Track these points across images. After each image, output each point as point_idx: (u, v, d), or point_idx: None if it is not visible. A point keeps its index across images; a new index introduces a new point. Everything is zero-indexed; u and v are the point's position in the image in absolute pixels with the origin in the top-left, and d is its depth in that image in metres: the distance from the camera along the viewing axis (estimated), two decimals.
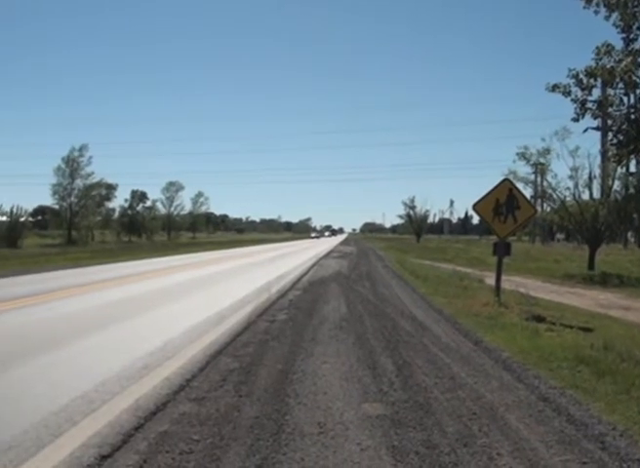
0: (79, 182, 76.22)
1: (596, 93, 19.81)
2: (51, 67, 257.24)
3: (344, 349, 8.55)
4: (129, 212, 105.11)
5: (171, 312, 12.26)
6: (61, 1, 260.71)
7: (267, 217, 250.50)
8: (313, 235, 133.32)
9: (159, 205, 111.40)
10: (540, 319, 11.20)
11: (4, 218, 60.29)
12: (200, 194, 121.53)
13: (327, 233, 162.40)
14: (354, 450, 4.67)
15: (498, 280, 13.69)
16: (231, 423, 5.30)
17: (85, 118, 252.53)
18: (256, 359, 7.83)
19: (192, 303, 13.80)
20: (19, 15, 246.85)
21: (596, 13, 16.93)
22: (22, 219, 63.34)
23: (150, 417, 5.46)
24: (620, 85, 18.35)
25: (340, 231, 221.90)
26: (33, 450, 4.63)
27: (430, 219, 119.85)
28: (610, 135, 20.12)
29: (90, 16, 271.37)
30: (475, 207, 14.06)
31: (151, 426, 5.24)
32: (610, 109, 18.91)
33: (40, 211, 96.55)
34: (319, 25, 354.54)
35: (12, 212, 61.13)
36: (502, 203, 13.55)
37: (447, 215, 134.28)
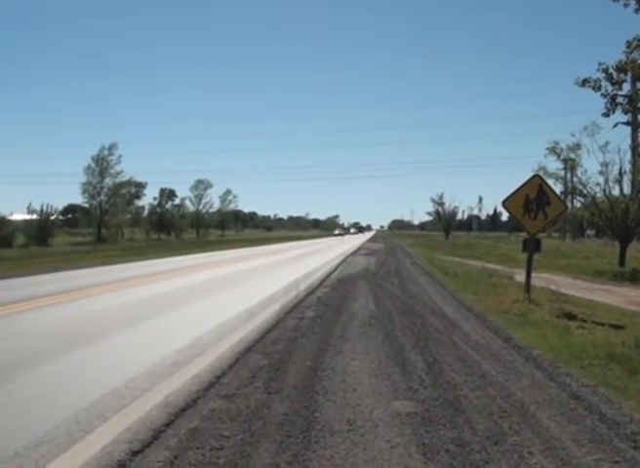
0: (109, 181, 77.22)
1: (626, 87, 19.60)
2: (80, 67, 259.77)
3: (373, 346, 8.54)
4: (158, 209, 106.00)
5: (200, 309, 12.33)
6: (87, 2, 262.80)
7: (295, 215, 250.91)
8: (337, 232, 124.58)
9: (188, 203, 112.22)
10: (570, 316, 11.08)
11: (35, 217, 61.05)
12: (228, 192, 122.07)
13: (352, 230, 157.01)
14: (384, 448, 4.66)
15: (528, 277, 13.57)
16: (261, 420, 5.31)
17: (114, 117, 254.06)
18: (285, 356, 7.85)
19: (221, 301, 13.87)
20: (48, 14, 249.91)
21: (626, 6, 16.74)
22: (53, 218, 64.19)
23: (180, 414, 5.50)
24: None
25: (368, 228, 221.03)
26: (65, 446, 4.69)
27: (459, 216, 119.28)
28: None
29: (113, 18, 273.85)
30: (505, 203, 13.93)
31: (181, 422, 5.27)
32: None
33: (70, 209, 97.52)
34: (345, 25, 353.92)
35: (42, 210, 61.91)
36: (532, 199, 13.41)
37: (475, 212, 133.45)
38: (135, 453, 4.57)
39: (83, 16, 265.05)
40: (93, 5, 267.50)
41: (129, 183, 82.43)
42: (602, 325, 10.33)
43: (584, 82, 21.01)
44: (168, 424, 5.22)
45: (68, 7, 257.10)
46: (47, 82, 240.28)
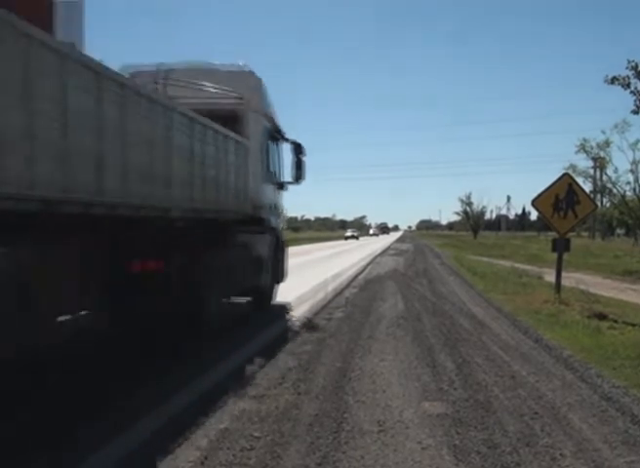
0: None
1: None
2: None
3: (402, 347, 8.54)
4: None
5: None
6: None
7: (322, 216, 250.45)
8: (348, 234, 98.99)
9: None
10: (601, 316, 10.96)
11: None
12: None
13: (371, 231, 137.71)
14: (415, 449, 4.66)
15: (558, 277, 13.46)
16: (290, 421, 5.33)
17: None
18: (314, 357, 7.87)
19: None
20: None
21: None
22: None
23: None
24: None
25: (395, 229, 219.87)
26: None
27: (487, 216, 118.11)
28: None
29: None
30: (534, 202, 13.83)
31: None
32: None
33: None
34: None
35: None
36: (562, 198, 13.28)
37: (504, 212, 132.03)
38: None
39: None
40: None
41: None
42: (633, 325, 10.21)
43: (614, 79, 20.82)
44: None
45: None
46: None
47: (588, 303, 12.12)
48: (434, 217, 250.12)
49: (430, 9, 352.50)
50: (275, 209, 13.17)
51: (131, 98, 6.58)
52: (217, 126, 9.05)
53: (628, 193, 27.55)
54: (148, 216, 7.30)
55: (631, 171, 27.89)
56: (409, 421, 5.30)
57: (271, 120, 12.40)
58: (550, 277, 15.48)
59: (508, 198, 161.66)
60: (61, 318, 6.36)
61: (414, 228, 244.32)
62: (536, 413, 5.57)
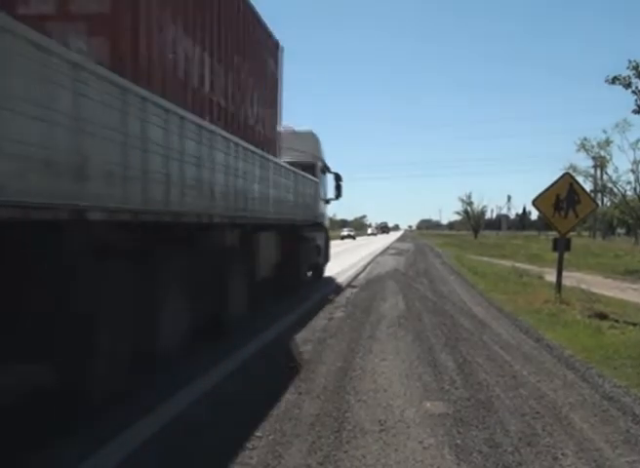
0: None
1: None
2: None
3: (403, 346, 8.54)
4: None
5: None
6: None
7: None
8: (344, 233, 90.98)
9: None
10: (602, 316, 10.95)
11: None
12: None
13: (370, 230, 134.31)
14: (416, 449, 4.67)
15: (559, 276, 13.45)
16: (292, 420, 5.34)
17: None
18: (314, 356, 7.88)
19: None
20: None
21: None
22: None
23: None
24: None
25: (396, 228, 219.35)
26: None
27: (488, 215, 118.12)
28: None
29: None
30: (535, 202, 13.82)
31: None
32: None
33: None
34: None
35: None
36: (563, 198, 13.26)
37: (504, 211, 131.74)
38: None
39: None
40: None
41: None
42: (634, 325, 10.21)
43: (615, 79, 20.82)
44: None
45: None
46: None
47: (589, 303, 12.10)
48: (435, 217, 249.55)
49: (431, 9, 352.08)
50: (325, 216, 19.99)
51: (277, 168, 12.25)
52: (304, 173, 15.44)
53: (629, 193, 27.63)
54: (280, 223, 12.95)
55: (632, 170, 27.96)
56: (410, 421, 5.31)
57: (323, 161, 19.16)
58: (551, 277, 15.46)
59: (509, 197, 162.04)
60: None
61: (414, 228, 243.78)
62: (537, 413, 5.58)
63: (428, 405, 5.78)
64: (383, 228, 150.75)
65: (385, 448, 4.69)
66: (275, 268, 12.83)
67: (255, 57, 11.97)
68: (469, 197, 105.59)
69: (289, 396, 6.08)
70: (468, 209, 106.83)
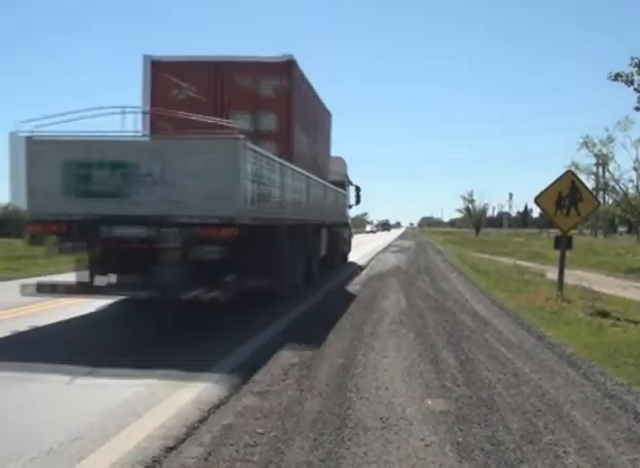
0: None
1: None
2: None
3: (405, 344, 8.54)
4: None
5: None
6: None
7: None
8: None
9: None
10: (604, 314, 10.96)
11: None
12: None
13: (368, 228, 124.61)
14: (418, 446, 4.67)
15: (560, 274, 13.45)
16: (294, 417, 5.35)
17: None
18: (316, 353, 7.88)
19: None
20: None
21: None
22: None
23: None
24: None
25: (397, 225, 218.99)
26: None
27: (489, 213, 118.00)
28: None
29: None
30: (537, 200, 13.79)
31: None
32: None
33: None
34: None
35: None
36: (565, 196, 13.25)
37: (506, 209, 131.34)
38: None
39: None
40: None
41: None
42: (636, 323, 10.21)
43: (617, 76, 20.79)
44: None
45: None
46: None
47: (591, 301, 12.10)
48: (436, 215, 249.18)
49: (430, 8, 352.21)
50: (348, 216, 27.02)
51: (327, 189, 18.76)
52: (338, 189, 21.60)
53: (631, 190, 27.53)
54: (328, 223, 18.87)
55: (634, 168, 27.90)
56: (412, 418, 5.31)
57: (348, 177, 25.69)
58: (553, 274, 15.46)
59: (510, 195, 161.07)
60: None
61: (415, 225, 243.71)
62: (539, 411, 5.58)
63: (430, 402, 5.79)
64: (385, 225, 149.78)
65: (387, 445, 4.69)
66: (326, 250, 18.92)
67: (322, 128, 18.83)
68: (471, 195, 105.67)
69: (291, 393, 6.11)
70: (470, 206, 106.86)
